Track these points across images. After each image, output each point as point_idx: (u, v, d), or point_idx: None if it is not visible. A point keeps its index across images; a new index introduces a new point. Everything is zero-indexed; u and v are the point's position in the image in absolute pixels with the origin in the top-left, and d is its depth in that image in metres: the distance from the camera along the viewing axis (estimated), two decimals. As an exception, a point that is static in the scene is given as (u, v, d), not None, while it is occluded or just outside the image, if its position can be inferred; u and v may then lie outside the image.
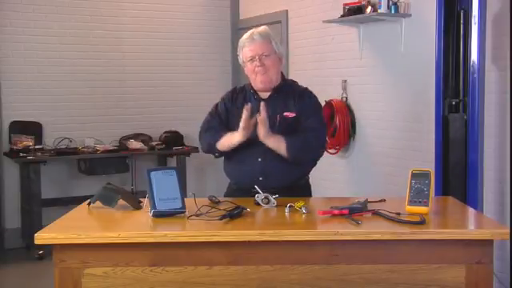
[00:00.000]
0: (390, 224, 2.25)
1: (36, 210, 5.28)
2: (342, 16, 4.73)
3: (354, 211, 2.34)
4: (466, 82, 3.56)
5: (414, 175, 2.40)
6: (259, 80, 2.88)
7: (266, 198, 2.54)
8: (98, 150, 5.66)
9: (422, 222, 2.22)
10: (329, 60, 5.21)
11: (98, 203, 2.58)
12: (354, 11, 4.62)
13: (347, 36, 4.95)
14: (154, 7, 6.24)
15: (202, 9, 6.49)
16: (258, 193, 2.56)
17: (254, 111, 2.85)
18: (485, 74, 3.56)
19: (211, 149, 2.99)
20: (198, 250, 2.20)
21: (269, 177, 2.82)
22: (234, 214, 2.35)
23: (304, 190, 2.92)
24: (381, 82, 4.70)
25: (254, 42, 2.89)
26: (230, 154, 2.97)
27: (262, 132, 2.76)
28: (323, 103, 4.68)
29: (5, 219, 5.65)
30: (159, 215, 2.36)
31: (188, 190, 5.08)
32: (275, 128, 2.84)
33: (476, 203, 3.46)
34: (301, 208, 2.42)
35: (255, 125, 2.77)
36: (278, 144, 2.80)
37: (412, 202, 2.35)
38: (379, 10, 4.41)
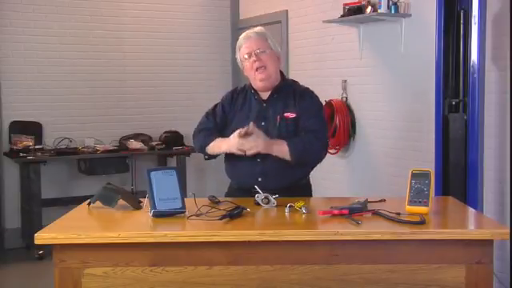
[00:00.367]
0: (389, 224, 2.25)
1: (36, 210, 5.28)
2: (342, 16, 4.73)
3: (354, 211, 2.33)
4: (466, 82, 3.56)
5: (413, 175, 2.40)
6: (258, 78, 2.87)
7: (266, 197, 2.54)
8: (98, 150, 5.66)
9: (422, 222, 2.22)
10: (329, 60, 5.21)
11: (98, 203, 2.57)
12: (354, 11, 4.62)
13: (347, 36, 4.95)
14: (155, 7, 6.24)
15: (202, 9, 6.50)
16: (258, 193, 2.56)
17: (257, 114, 2.86)
18: (485, 74, 3.56)
19: (202, 151, 3.01)
20: (198, 250, 2.20)
21: (268, 177, 2.81)
22: (234, 214, 2.35)
23: (305, 190, 2.92)
24: (381, 82, 4.70)
25: (249, 39, 2.90)
26: (230, 155, 2.97)
27: (261, 145, 2.74)
28: (323, 103, 4.70)
29: (5, 219, 5.66)
30: (159, 215, 2.35)
31: (188, 190, 5.08)
32: (275, 128, 2.84)
33: (476, 203, 3.46)
34: (301, 208, 2.42)
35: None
36: (280, 150, 2.79)
37: (412, 202, 2.35)
38: (379, 10, 4.41)
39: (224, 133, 2.95)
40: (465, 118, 3.58)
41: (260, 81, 2.88)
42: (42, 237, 2.18)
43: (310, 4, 5.42)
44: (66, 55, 5.82)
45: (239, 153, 2.77)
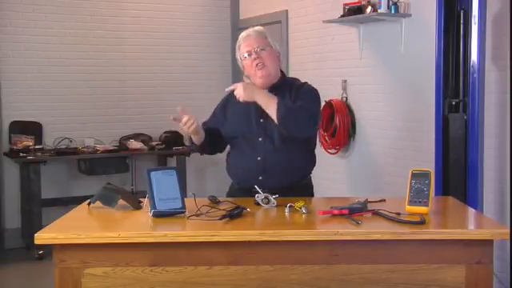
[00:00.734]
0: (390, 224, 2.25)
1: (36, 210, 5.28)
2: (342, 16, 4.73)
3: (354, 211, 2.33)
4: (466, 82, 3.56)
5: (413, 175, 2.40)
6: (258, 75, 2.87)
7: (266, 197, 2.54)
8: (98, 150, 5.66)
9: (422, 222, 2.22)
10: (329, 60, 5.21)
11: (98, 203, 2.58)
12: (354, 11, 4.62)
13: (347, 36, 4.95)
14: (154, 7, 6.24)
15: (202, 9, 6.50)
16: (258, 193, 2.56)
17: (256, 111, 2.86)
18: (485, 74, 3.56)
19: (194, 148, 3.04)
20: (198, 250, 2.20)
21: (269, 176, 2.80)
22: (233, 214, 2.35)
23: (306, 191, 2.90)
24: (381, 82, 4.70)
25: (249, 37, 2.91)
26: (231, 154, 2.98)
27: (241, 90, 2.75)
28: (323, 103, 4.71)
29: (5, 219, 5.66)
30: (159, 215, 2.35)
31: (188, 190, 5.08)
32: (275, 125, 2.83)
33: (476, 203, 3.46)
34: (301, 208, 2.42)
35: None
36: (268, 98, 2.75)
37: (412, 202, 2.35)
38: (379, 10, 4.41)
39: (223, 130, 2.98)
40: (465, 117, 3.58)
41: (260, 77, 2.88)
42: (41, 237, 2.18)
43: (309, 4, 5.42)
44: (65, 55, 5.82)
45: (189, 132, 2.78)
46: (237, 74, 6.51)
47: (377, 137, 4.77)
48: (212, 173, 6.34)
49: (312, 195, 2.96)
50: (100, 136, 5.92)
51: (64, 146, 5.73)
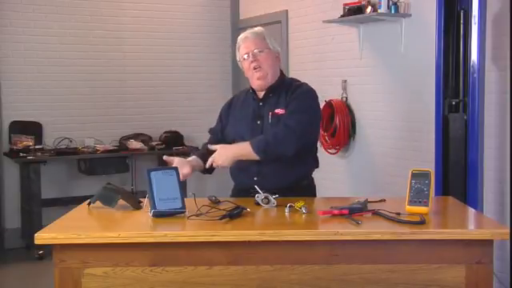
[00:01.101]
0: (390, 224, 2.25)
1: (36, 210, 5.28)
2: (342, 16, 4.74)
3: (354, 211, 2.33)
4: (466, 82, 3.56)
5: (413, 175, 2.40)
6: (255, 76, 2.87)
7: (266, 198, 2.54)
8: (98, 150, 5.66)
9: (422, 222, 2.22)
10: (329, 60, 5.21)
11: (98, 203, 2.58)
12: (354, 11, 4.62)
13: (347, 36, 4.95)
14: (154, 7, 6.24)
15: (202, 9, 6.50)
16: (258, 193, 2.56)
17: (253, 113, 2.88)
18: (485, 74, 3.56)
19: None
20: (198, 250, 2.20)
21: (264, 177, 2.80)
22: (233, 214, 2.35)
23: (307, 191, 2.89)
24: (381, 82, 4.70)
25: (247, 39, 2.91)
26: None
27: (222, 159, 2.77)
28: (323, 103, 4.71)
29: (5, 219, 5.66)
30: (159, 215, 2.36)
31: (188, 190, 5.07)
32: (272, 126, 2.82)
33: (476, 203, 3.46)
34: (301, 208, 2.42)
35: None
36: (241, 150, 2.77)
37: (412, 202, 2.35)
38: (379, 10, 4.41)
39: (225, 134, 2.99)
40: (465, 117, 3.58)
41: (257, 79, 2.88)
42: (41, 237, 2.18)
43: (309, 4, 5.42)
44: (65, 55, 5.82)
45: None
46: (237, 74, 6.51)
47: (377, 137, 4.77)
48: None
49: (314, 196, 2.96)
50: (100, 136, 5.92)
51: (64, 146, 5.73)
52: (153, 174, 2.41)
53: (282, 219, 2.38)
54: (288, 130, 2.74)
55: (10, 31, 5.62)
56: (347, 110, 4.95)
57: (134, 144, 5.82)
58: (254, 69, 2.86)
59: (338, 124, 4.89)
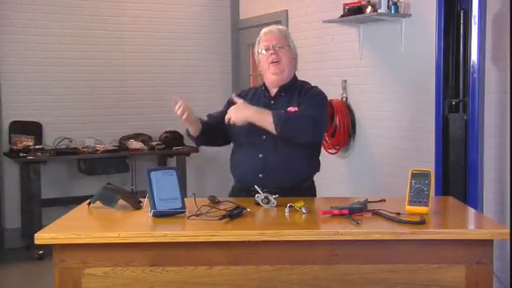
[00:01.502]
0: (389, 224, 2.25)
1: (36, 210, 5.28)
2: (342, 16, 4.73)
3: (354, 211, 2.33)
4: (466, 82, 3.56)
5: (413, 175, 2.40)
6: (271, 71, 2.88)
7: (266, 198, 2.54)
8: (98, 150, 5.66)
9: (422, 222, 2.22)
10: (329, 60, 5.21)
11: (98, 203, 2.58)
12: (354, 11, 4.62)
13: (347, 36, 4.95)
14: (154, 7, 6.24)
15: (202, 9, 6.50)
16: (258, 193, 2.56)
17: (261, 105, 2.85)
18: (485, 74, 3.56)
19: (189, 136, 3.02)
20: (198, 250, 2.20)
21: (269, 175, 2.80)
22: (233, 214, 2.35)
23: (308, 193, 2.88)
24: (381, 82, 4.70)
25: (270, 33, 2.94)
26: (234, 150, 2.99)
27: (232, 114, 2.73)
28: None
29: (5, 219, 5.66)
30: (159, 215, 2.36)
31: (188, 189, 5.08)
32: None
33: (476, 203, 3.46)
34: (301, 208, 2.42)
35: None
36: (260, 114, 2.74)
37: (412, 202, 2.35)
38: (379, 10, 4.41)
39: (226, 129, 2.94)
40: (465, 118, 3.58)
41: (272, 73, 2.89)
42: (41, 237, 2.18)
43: (309, 4, 5.42)
44: (66, 55, 5.82)
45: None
46: (237, 74, 6.51)
47: (377, 137, 4.77)
48: (212, 173, 6.34)
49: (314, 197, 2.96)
50: (100, 136, 5.92)
51: (64, 146, 5.73)
52: (153, 174, 2.41)
53: (282, 219, 2.38)
54: (308, 118, 2.75)
55: (10, 31, 5.61)
56: (347, 109, 4.95)
57: (134, 144, 5.82)
58: (272, 62, 2.87)
59: (337, 124, 4.89)
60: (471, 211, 2.72)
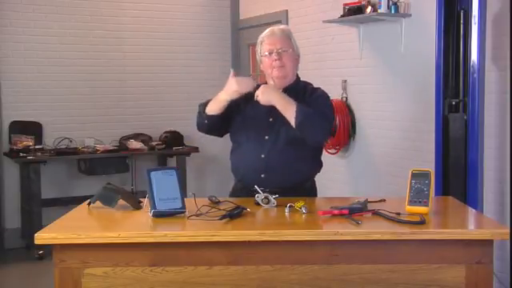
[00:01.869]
0: (390, 224, 2.25)
1: (36, 210, 5.28)
2: (342, 16, 4.73)
3: (354, 211, 2.33)
4: (466, 82, 3.56)
5: (413, 175, 2.40)
6: (275, 75, 2.87)
7: (266, 198, 2.54)
8: (98, 150, 5.66)
9: (422, 222, 2.22)
10: (329, 60, 5.21)
11: (98, 203, 2.58)
12: (354, 11, 4.62)
13: (347, 36, 4.95)
14: (154, 7, 6.24)
15: (202, 9, 6.50)
16: (258, 193, 2.56)
17: (267, 110, 2.82)
18: (485, 74, 3.56)
19: (200, 118, 2.95)
20: (198, 249, 2.20)
21: (271, 174, 2.80)
22: (233, 214, 2.35)
23: (310, 193, 2.88)
24: (381, 82, 4.70)
25: (273, 36, 2.91)
26: (235, 150, 2.97)
27: (260, 93, 2.74)
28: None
29: (5, 219, 5.66)
30: (159, 215, 2.35)
31: (188, 189, 5.08)
32: (283, 125, 2.82)
33: (476, 203, 3.46)
34: (301, 208, 2.42)
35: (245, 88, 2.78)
36: (286, 102, 2.74)
37: (412, 202, 2.35)
38: (379, 10, 4.41)
39: (231, 121, 2.92)
40: (465, 117, 3.58)
41: (276, 78, 2.88)
42: (41, 237, 2.18)
43: (309, 4, 5.42)
44: (66, 55, 5.82)
45: (237, 95, 2.76)
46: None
47: (377, 137, 4.77)
48: (212, 173, 6.34)
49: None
50: (100, 136, 5.92)
51: (64, 146, 5.73)
52: (153, 173, 2.41)
53: (282, 219, 2.38)
54: (326, 118, 2.79)
55: (10, 31, 5.62)
56: (347, 109, 4.95)
57: (134, 144, 5.82)
58: (275, 67, 2.86)
59: (337, 124, 4.89)
60: (471, 211, 2.72)
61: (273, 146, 2.83)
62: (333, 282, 2.21)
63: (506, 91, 3.64)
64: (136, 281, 2.20)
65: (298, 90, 2.92)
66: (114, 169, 5.73)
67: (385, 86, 4.67)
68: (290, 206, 2.44)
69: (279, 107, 2.75)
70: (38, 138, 5.62)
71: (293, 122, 2.72)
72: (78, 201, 2.81)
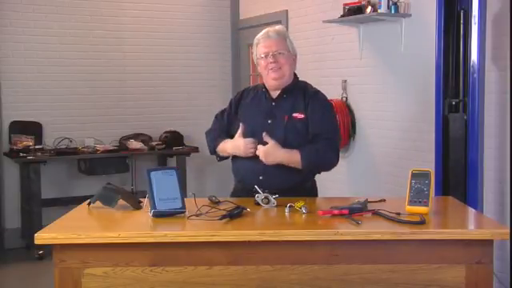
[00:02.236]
0: (390, 224, 2.25)
1: (36, 210, 5.28)
2: (342, 16, 4.73)
3: (354, 211, 2.34)
4: (466, 82, 3.56)
5: (413, 175, 2.40)
6: (272, 77, 2.87)
7: (266, 198, 2.54)
8: (98, 150, 5.66)
9: (422, 222, 2.22)
10: (329, 60, 5.21)
11: (98, 203, 2.58)
12: (354, 11, 4.62)
13: (347, 36, 4.95)
14: (154, 7, 6.24)
15: (202, 9, 6.50)
16: (259, 193, 2.56)
17: (265, 111, 2.85)
18: (485, 74, 3.56)
19: (213, 153, 3.06)
20: (198, 250, 2.20)
21: (270, 177, 2.80)
22: (234, 214, 2.35)
23: (310, 193, 2.88)
24: (381, 82, 4.70)
25: (268, 39, 2.90)
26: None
27: (263, 157, 2.77)
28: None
29: (5, 219, 5.66)
30: (159, 215, 2.36)
31: (188, 189, 5.08)
32: (282, 127, 2.83)
33: (476, 203, 3.46)
34: (301, 208, 2.42)
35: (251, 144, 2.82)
36: (292, 160, 2.78)
37: (412, 202, 2.35)
38: (379, 10, 4.41)
39: (232, 128, 2.96)
40: (465, 117, 3.57)
41: (273, 79, 2.88)
42: (41, 237, 2.18)
43: (309, 4, 5.42)
44: (66, 55, 5.82)
45: (245, 155, 2.80)
46: (237, 74, 6.51)
47: (377, 137, 4.77)
48: (212, 173, 6.34)
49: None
50: (100, 136, 5.92)
51: (64, 146, 5.73)
52: (153, 174, 2.41)
53: (282, 219, 2.38)
54: (332, 150, 2.86)
55: (10, 31, 5.61)
56: (347, 109, 4.94)
57: (134, 144, 5.82)
58: (272, 69, 2.86)
59: (338, 124, 4.88)
60: (471, 211, 2.72)
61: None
62: (333, 282, 2.21)
63: (506, 91, 3.64)
64: (136, 281, 2.20)
65: (298, 90, 2.92)
66: (114, 169, 5.73)
67: (385, 86, 4.67)
68: (289, 206, 2.44)
69: (285, 163, 2.79)
70: (38, 138, 5.62)
71: (300, 167, 2.80)
72: (78, 201, 2.82)
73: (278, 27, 2.99)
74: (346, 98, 5.00)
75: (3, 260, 5.29)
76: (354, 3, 4.63)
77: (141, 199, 2.62)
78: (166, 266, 2.21)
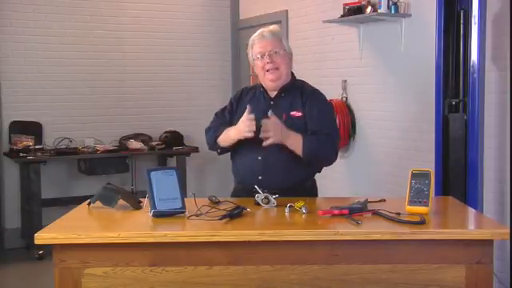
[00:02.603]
0: (390, 224, 2.25)
1: (36, 210, 5.28)
2: (342, 16, 4.73)
3: (354, 211, 2.34)
4: (466, 82, 3.56)
5: (413, 175, 2.40)
6: (269, 78, 2.88)
7: (266, 198, 2.54)
8: (98, 150, 5.66)
9: (422, 222, 2.22)
10: (329, 60, 5.21)
11: (98, 203, 2.58)
12: (354, 11, 4.62)
13: (347, 36, 4.95)
14: (154, 7, 6.25)
15: (202, 9, 6.50)
16: (259, 193, 2.56)
17: (264, 110, 2.85)
18: (485, 74, 3.56)
19: (213, 146, 3.02)
20: (198, 250, 2.20)
21: (269, 176, 2.80)
22: (234, 214, 2.35)
23: (310, 193, 2.88)
24: (381, 82, 4.70)
25: (263, 39, 2.90)
26: (235, 152, 2.98)
27: (279, 135, 2.73)
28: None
29: (5, 219, 5.66)
30: (159, 215, 2.36)
31: (188, 189, 5.08)
32: None
33: (476, 203, 3.46)
34: (301, 208, 2.42)
35: (256, 127, 2.76)
36: (295, 143, 2.77)
37: (412, 202, 2.35)
38: (379, 10, 4.41)
39: (232, 125, 2.94)
40: (465, 118, 3.58)
41: (270, 81, 2.89)
42: (41, 237, 2.18)
43: (310, 4, 5.42)
44: (66, 55, 5.83)
45: (249, 135, 2.75)
46: (237, 74, 6.51)
47: (377, 137, 4.77)
48: (212, 173, 6.34)
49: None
50: (100, 136, 5.92)
51: (64, 146, 5.74)
52: (153, 174, 2.41)
53: (282, 219, 2.38)
54: (333, 143, 2.84)
55: (10, 31, 5.62)
56: (347, 109, 4.95)
57: (134, 144, 5.82)
58: (268, 70, 2.86)
59: (338, 124, 4.88)
60: (471, 211, 2.72)
61: (269, 147, 2.82)
62: (333, 282, 2.21)
63: (506, 91, 3.65)
64: (136, 281, 2.20)
65: (295, 89, 2.93)
66: (114, 169, 5.73)
67: (385, 86, 4.67)
68: (289, 206, 2.44)
69: (289, 144, 2.77)
70: (38, 138, 5.62)
71: (300, 153, 2.78)
72: (78, 201, 2.82)
73: (272, 27, 2.98)
74: (346, 98, 5.00)
75: (3, 260, 5.29)
76: (354, 3, 4.63)
77: (141, 199, 2.62)
78: (166, 266, 2.21)
